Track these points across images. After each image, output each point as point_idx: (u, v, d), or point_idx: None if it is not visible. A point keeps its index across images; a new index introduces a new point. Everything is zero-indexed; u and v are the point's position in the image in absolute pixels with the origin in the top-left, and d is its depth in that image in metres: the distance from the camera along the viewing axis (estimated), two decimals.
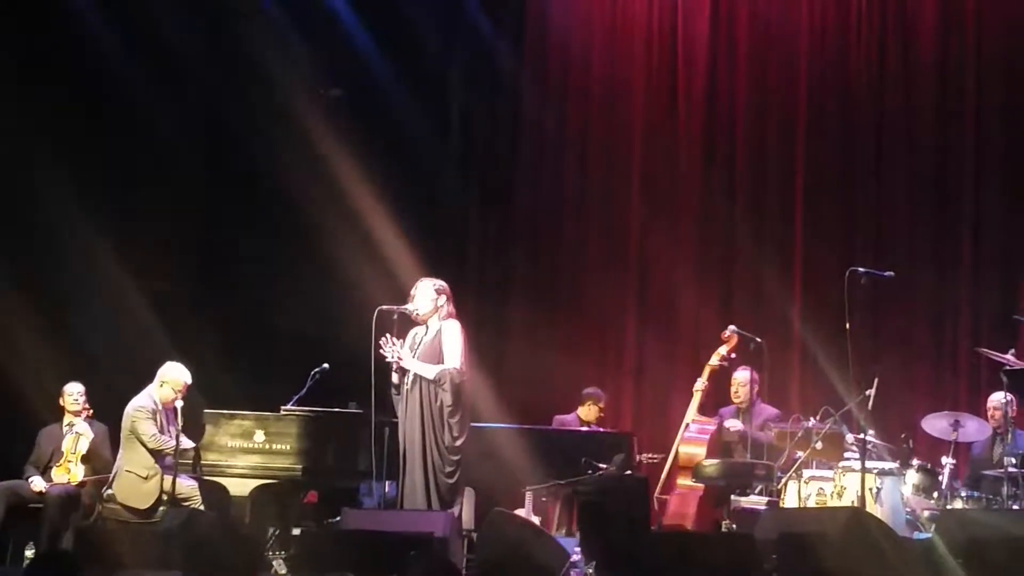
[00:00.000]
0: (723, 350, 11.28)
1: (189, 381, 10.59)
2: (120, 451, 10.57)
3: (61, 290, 12.00)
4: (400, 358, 9.60)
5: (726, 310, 12.36)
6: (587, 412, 11.81)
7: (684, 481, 10.95)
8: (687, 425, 11.21)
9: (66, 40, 12.29)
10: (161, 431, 10.41)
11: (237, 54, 13.04)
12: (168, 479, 10.19)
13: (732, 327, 11.13)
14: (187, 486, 10.38)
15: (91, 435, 10.89)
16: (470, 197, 13.73)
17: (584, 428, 11.57)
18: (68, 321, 12.00)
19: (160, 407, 10.50)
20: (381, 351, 9.62)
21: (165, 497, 10.21)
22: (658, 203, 13.24)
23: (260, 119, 13.05)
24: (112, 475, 10.53)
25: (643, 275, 13.31)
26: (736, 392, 11.25)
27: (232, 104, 13.16)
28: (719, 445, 11.05)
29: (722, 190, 13.07)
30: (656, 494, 11.06)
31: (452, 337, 9.72)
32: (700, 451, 10.96)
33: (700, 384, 11.33)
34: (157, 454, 10.38)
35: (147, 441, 10.37)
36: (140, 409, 10.46)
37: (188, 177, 13.30)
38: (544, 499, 10.77)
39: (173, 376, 10.58)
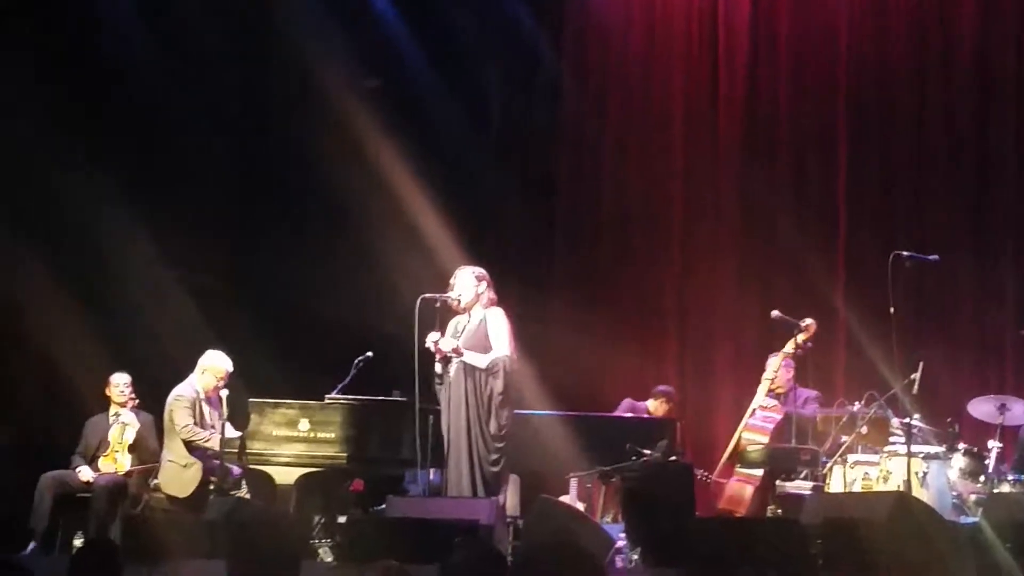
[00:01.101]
0: (800, 338, 10.97)
1: (230, 369, 10.66)
2: (164, 440, 10.62)
3: (103, 283, 11.96)
4: (457, 349, 9.46)
5: (769, 295, 12.09)
6: (656, 407, 11.61)
7: (744, 468, 10.79)
8: (753, 411, 11.05)
9: (97, 33, 12.27)
10: (201, 421, 10.50)
11: (272, 43, 12.97)
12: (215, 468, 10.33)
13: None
14: (234, 475, 10.40)
15: (137, 425, 10.95)
16: (510, 187, 13.58)
17: (629, 415, 11.35)
18: (111, 313, 11.92)
19: (203, 396, 10.58)
20: (427, 345, 9.52)
21: (212, 487, 10.25)
22: (700, 191, 13.11)
23: (296, 108, 12.99)
24: (158, 465, 10.57)
25: (685, 262, 13.15)
26: (771, 379, 11.05)
27: (267, 93, 13.16)
28: (785, 434, 10.74)
29: (764, 176, 12.86)
30: (714, 476, 10.94)
31: (498, 324, 9.69)
32: (763, 440, 10.81)
33: (770, 371, 11.08)
34: (189, 444, 10.42)
35: (179, 431, 10.43)
36: (179, 398, 10.54)
37: (223, 167, 13.17)
38: (589, 486, 10.67)
39: (214, 364, 10.67)
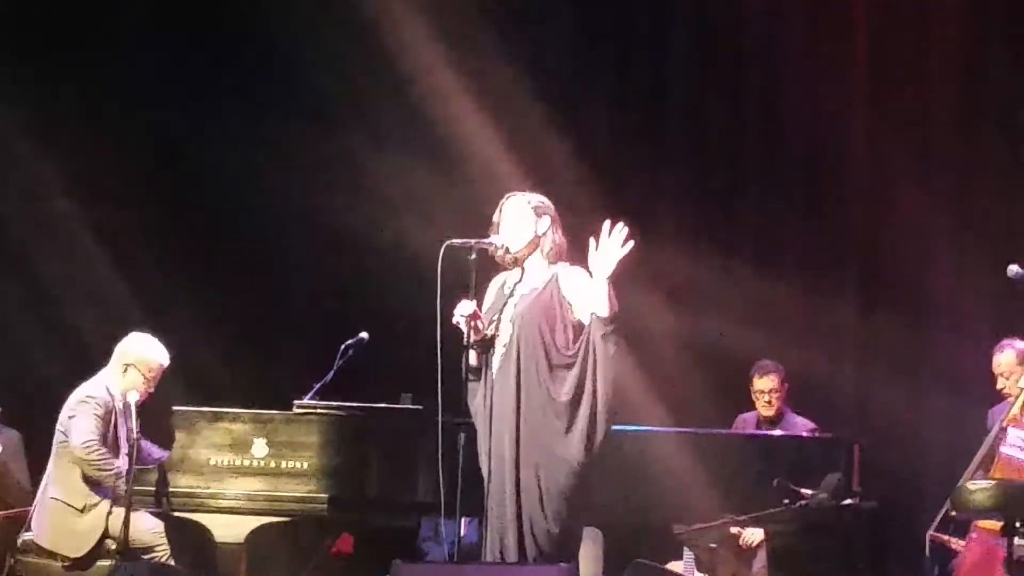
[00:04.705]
0: None
1: (166, 362, 9.85)
2: (48, 467, 9.73)
3: None
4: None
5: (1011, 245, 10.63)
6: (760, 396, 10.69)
7: (989, 523, 9.41)
8: (1004, 431, 9.78)
9: None
10: (114, 440, 9.81)
11: None
12: (117, 515, 9.42)
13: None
14: (147, 528, 9.54)
15: None
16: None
17: (776, 432, 10.46)
18: None
19: (120, 404, 9.84)
20: (456, 321, 8.35)
21: (112, 545, 9.47)
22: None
23: None
24: (33, 508, 9.75)
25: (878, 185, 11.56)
26: None
27: None
28: None
29: None
30: (931, 531, 9.95)
31: (582, 284, 8.42)
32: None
33: None
34: (91, 474, 9.69)
35: (76, 447, 9.57)
36: (89, 399, 9.75)
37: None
38: (714, 545, 10.03)
39: (143, 354, 9.80)
